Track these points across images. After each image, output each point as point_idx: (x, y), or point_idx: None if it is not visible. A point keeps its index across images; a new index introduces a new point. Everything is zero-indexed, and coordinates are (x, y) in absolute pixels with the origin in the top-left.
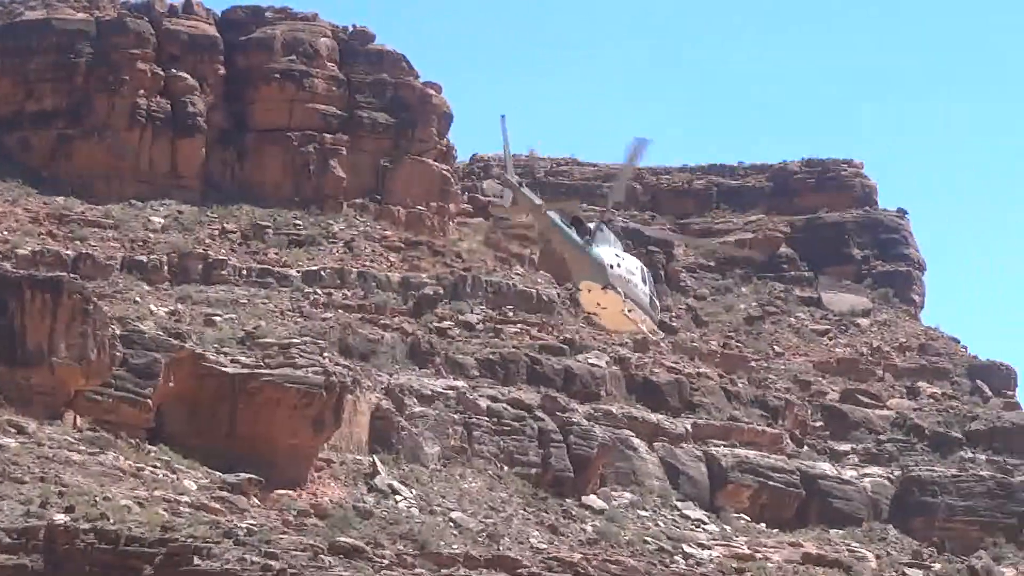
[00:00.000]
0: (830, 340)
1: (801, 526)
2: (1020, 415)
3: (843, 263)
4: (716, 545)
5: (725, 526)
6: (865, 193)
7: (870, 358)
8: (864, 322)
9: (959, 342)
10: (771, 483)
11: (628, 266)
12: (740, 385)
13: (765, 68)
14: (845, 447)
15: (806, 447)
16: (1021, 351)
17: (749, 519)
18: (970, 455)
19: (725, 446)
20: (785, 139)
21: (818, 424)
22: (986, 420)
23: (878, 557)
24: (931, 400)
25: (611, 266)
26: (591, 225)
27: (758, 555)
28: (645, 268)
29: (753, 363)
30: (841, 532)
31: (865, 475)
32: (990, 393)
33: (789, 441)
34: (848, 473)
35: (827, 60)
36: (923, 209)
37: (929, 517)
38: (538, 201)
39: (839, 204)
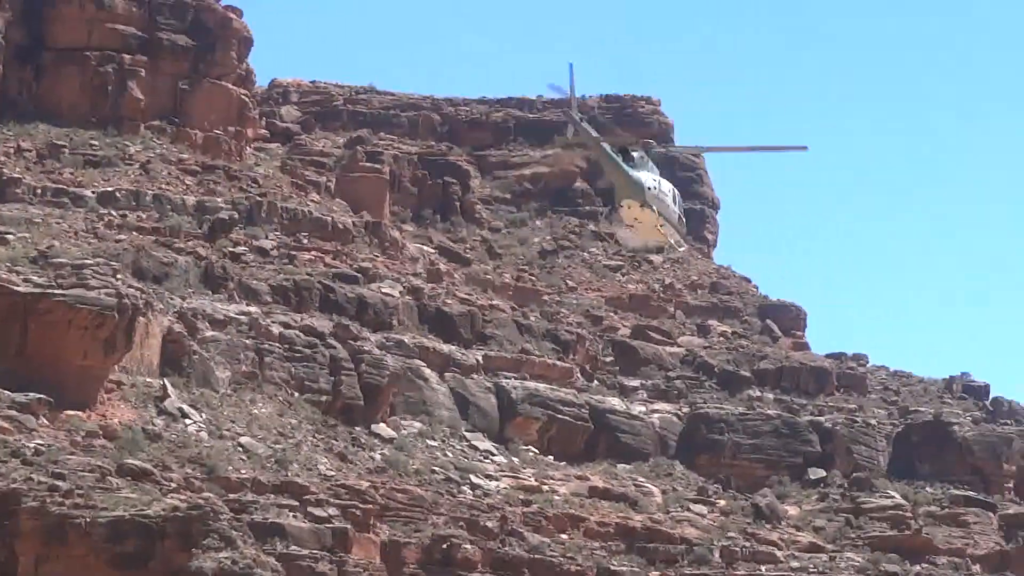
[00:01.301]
0: (623, 276)
1: (589, 460)
2: (808, 355)
3: None
4: (504, 476)
5: (513, 458)
6: (662, 130)
7: (662, 295)
8: (657, 259)
9: (750, 281)
10: (560, 416)
11: (663, 188)
12: (532, 318)
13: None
14: (635, 383)
15: (596, 382)
16: (810, 292)
17: (537, 451)
18: (758, 394)
19: (516, 378)
20: (584, 75)
21: (608, 359)
22: (775, 359)
23: (664, 492)
24: (721, 338)
25: (649, 188)
26: (635, 154)
27: (545, 487)
28: (676, 191)
29: (546, 297)
30: (628, 467)
31: (654, 411)
32: (779, 333)
33: (579, 375)
34: (637, 408)
35: None
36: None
37: (716, 454)
38: (594, 134)
39: None
